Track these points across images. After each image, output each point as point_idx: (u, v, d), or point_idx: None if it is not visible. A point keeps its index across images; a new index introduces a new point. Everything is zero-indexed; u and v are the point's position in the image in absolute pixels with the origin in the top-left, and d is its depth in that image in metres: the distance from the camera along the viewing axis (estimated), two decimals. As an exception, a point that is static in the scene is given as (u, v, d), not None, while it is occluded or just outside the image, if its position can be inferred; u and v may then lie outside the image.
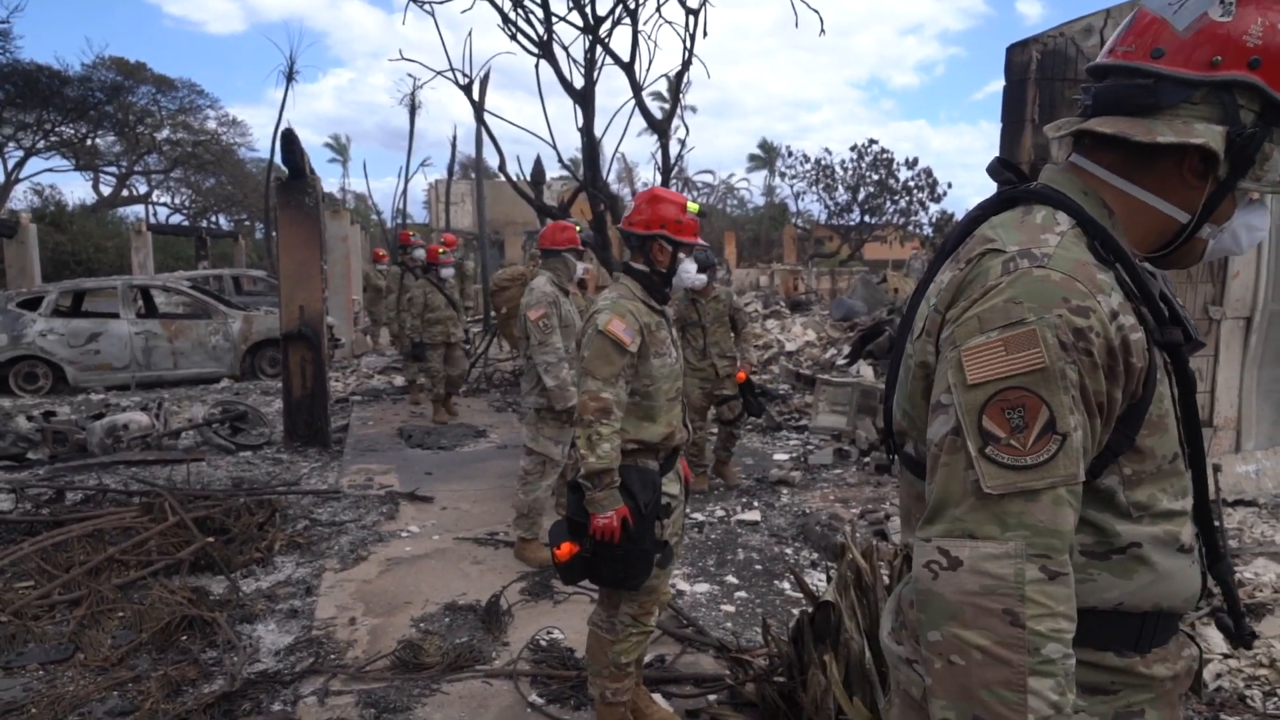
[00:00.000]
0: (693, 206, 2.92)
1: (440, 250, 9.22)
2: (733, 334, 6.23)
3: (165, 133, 32.65)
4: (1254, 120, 1.07)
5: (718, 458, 6.53)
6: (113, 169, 33.87)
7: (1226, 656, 3.47)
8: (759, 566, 4.97)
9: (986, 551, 1.00)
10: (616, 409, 2.69)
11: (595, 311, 2.80)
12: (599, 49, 8.28)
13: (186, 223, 35.31)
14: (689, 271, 2.92)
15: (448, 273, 8.98)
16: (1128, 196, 1.16)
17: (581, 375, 2.76)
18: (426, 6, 8.85)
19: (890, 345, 9.97)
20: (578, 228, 5.09)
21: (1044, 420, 1.00)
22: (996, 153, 4.88)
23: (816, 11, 8.26)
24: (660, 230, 2.84)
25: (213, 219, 38.11)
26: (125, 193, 34.72)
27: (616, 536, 2.65)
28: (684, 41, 8.28)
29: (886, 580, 2.91)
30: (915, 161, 33.75)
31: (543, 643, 3.83)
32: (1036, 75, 4.74)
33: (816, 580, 4.60)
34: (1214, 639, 3.55)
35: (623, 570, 2.74)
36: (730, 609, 4.37)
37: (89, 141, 31.29)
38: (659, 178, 9.19)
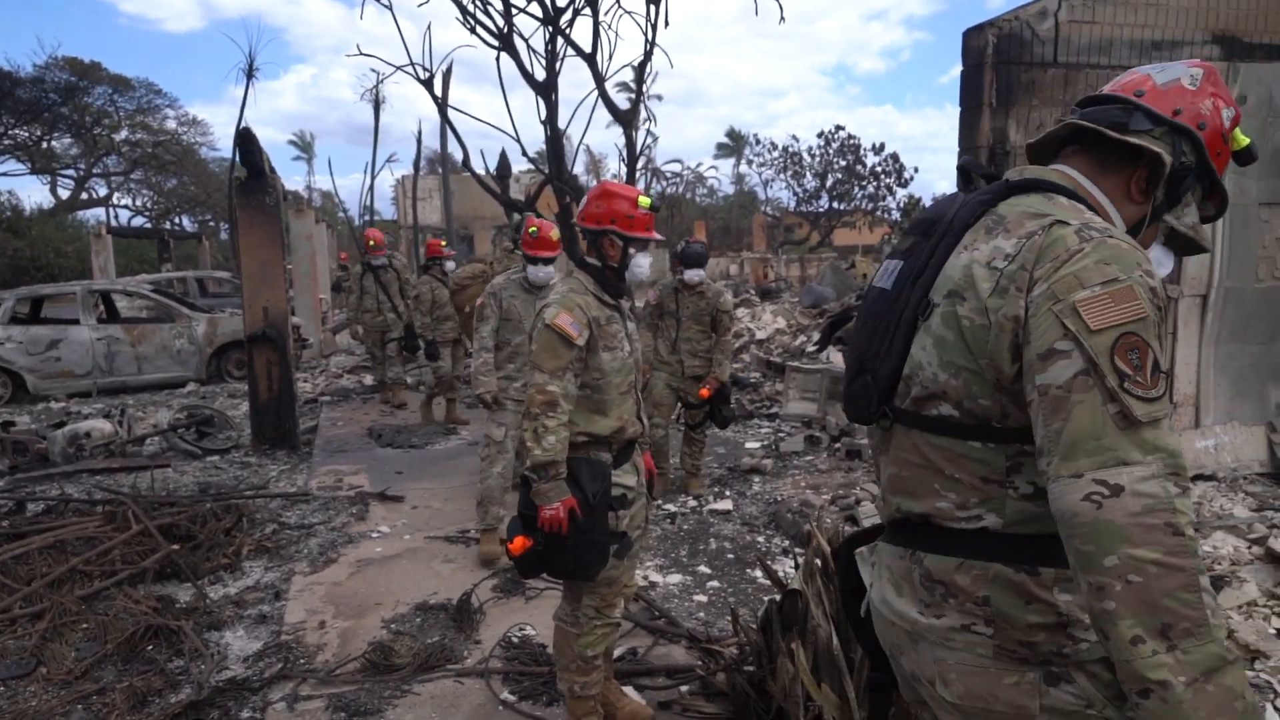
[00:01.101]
0: (644, 201, 2.85)
1: (443, 244, 8.98)
2: (713, 334, 5.92)
3: (124, 134, 31.94)
4: (1188, 167, 1.40)
5: (685, 467, 6.25)
6: (70, 172, 33.11)
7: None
8: (731, 555, 4.99)
9: (1139, 474, 1.11)
10: (564, 402, 2.69)
11: (545, 305, 2.80)
12: (560, 40, 8.22)
13: (149, 225, 34.69)
14: (641, 266, 2.87)
15: (451, 266, 8.74)
16: (1094, 199, 1.39)
17: (530, 368, 2.77)
18: (384, 0, 8.75)
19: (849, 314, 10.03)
20: (530, 228, 4.89)
21: (1153, 360, 1.17)
22: (961, 136, 4.92)
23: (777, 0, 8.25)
24: (610, 225, 2.81)
25: (176, 221, 37.46)
26: (84, 196, 33.96)
27: (564, 528, 2.65)
28: (645, 32, 8.26)
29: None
30: (882, 147, 34.11)
31: (514, 640, 3.82)
32: (993, 59, 4.76)
33: (789, 568, 4.63)
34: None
35: (574, 561, 2.74)
36: (703, 599, 4.38)
37: (44, 144, 30.57)
38: (625, 169, 9.16)
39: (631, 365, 2.89)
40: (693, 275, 5.82)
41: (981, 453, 1.34)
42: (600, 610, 2.88)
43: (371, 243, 9.46)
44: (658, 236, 2.93)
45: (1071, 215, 1.29)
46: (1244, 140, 1.45)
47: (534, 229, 4.90)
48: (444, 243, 9.08)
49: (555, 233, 5.01)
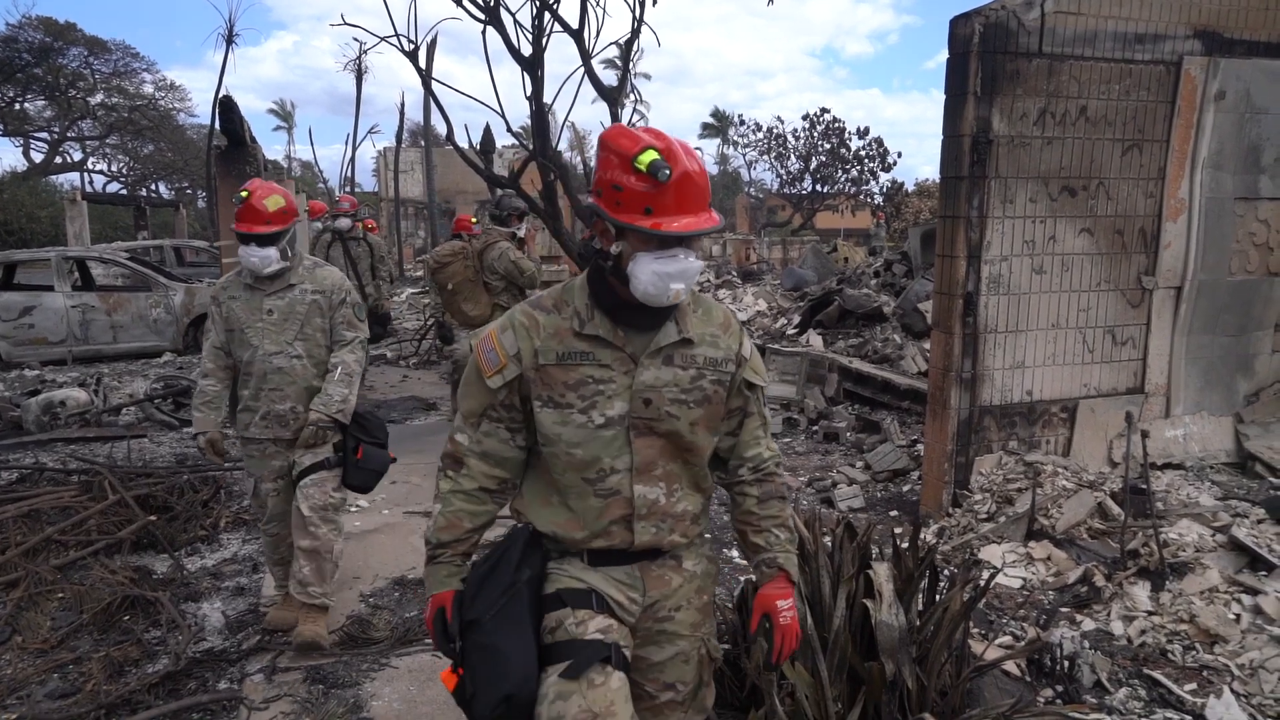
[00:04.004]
0: (644, 159, 1.62)
1: (473, 220, 8.53)
2: None
3: (99, 97, 31.36)
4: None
5: None
6: (44, 135, 32.54)
7: (1150, 614, 3.62)
8: (709, 535, 5.03)
9: None
10: (472, 461, 1.88)
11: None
12: (547, 15, 8.15)
13: (124, 191, 34.17)
14: (639, 279, 1.67)
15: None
16: None
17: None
18: (369, -31, 8.64)
19: (841, 315, 10.09)
20: (242, 191, 3.49)
21: None
22: (946, 123, 4.94)
23: (766, -20, 8.20)
24: (598, 198, 1.72)
25: (152, 187, 36.94)
26: (58, 160, 33.38)
27: (432, 632, 1.90)
28: (632, 10, 8.20)
29: (829, 547, 2.98)
30: (866, 131, 34.05)
31: (492, 615, 3.85)
32: (979, 48, 4.78)
33: (763, 548, 4.68)
34: (1139, 597, 3.71)
35: (470, 681, 1.82)
36: (679, 577, 4.43)
37: (17, 106, 30.00)
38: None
39: (611, 441, 1.81)
40: None
41: None
42: None
43: (332, 199, 8.46)
44: (672, 230, 1.64)
45: None
46: None
47: (244, 192, 3.41)
48: (474, 219, 8.30)
49: (275, 200, 3.40)
